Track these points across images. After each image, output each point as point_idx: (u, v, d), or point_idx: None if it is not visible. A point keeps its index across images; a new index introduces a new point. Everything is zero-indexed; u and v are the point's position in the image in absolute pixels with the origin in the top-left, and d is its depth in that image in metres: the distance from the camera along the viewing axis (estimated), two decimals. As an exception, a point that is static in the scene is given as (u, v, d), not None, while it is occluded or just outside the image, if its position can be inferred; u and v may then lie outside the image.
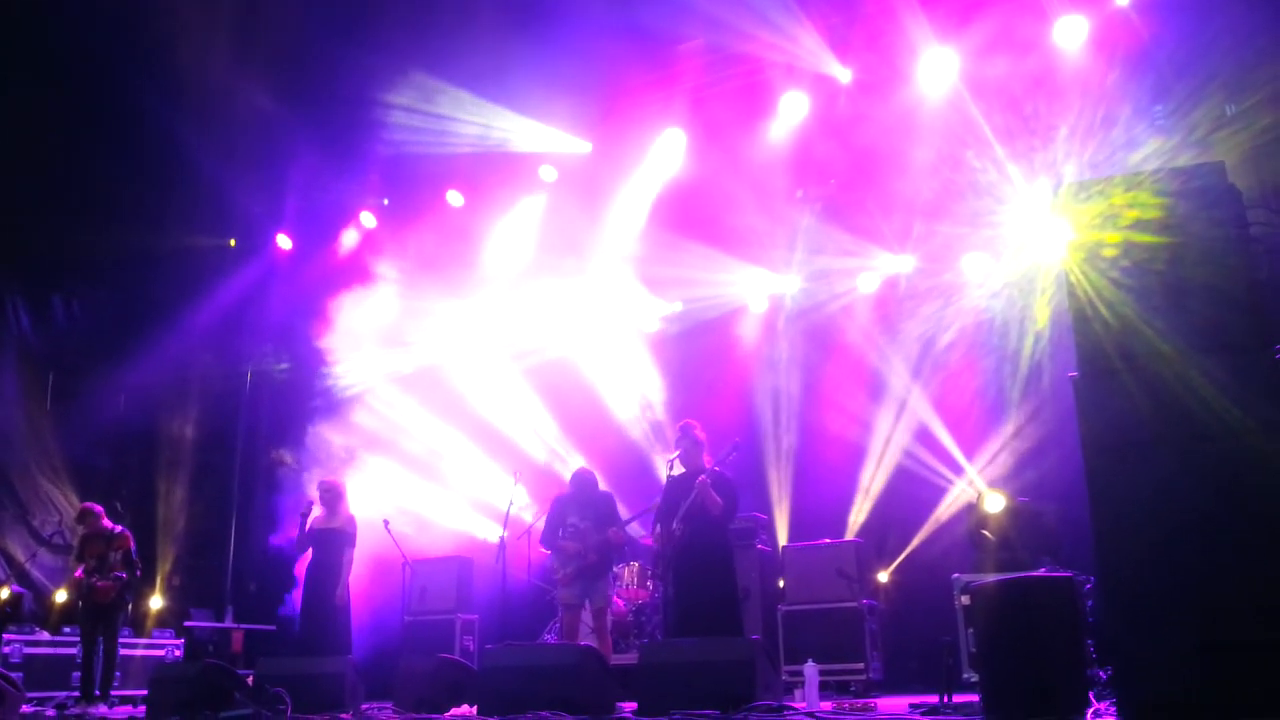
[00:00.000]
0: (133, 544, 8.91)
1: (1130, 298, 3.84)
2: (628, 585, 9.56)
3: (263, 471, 13.60)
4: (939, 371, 9.76)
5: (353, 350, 12.60)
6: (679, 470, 7.21)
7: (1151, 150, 7.77)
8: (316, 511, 8.46)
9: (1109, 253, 3.96)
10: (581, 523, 7.52)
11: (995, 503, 8.19)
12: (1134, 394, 3.74)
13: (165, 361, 12.85)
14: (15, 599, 10.42)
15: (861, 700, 6.72)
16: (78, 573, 8.72)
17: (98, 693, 8.53)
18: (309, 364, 13.06)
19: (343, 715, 5.82)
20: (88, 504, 9.17)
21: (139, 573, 9.22)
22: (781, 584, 9.06)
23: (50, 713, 7.41)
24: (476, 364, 12.01)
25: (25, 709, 7.41)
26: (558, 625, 8.74)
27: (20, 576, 11.07)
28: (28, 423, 12.41)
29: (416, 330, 12.29)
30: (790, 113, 10.36)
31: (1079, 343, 3.95)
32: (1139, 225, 3.87)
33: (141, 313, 12.80)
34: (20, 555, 11.51)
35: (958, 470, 9.42)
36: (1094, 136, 8.36)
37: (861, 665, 8.30)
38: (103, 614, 8.68)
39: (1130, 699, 3.46)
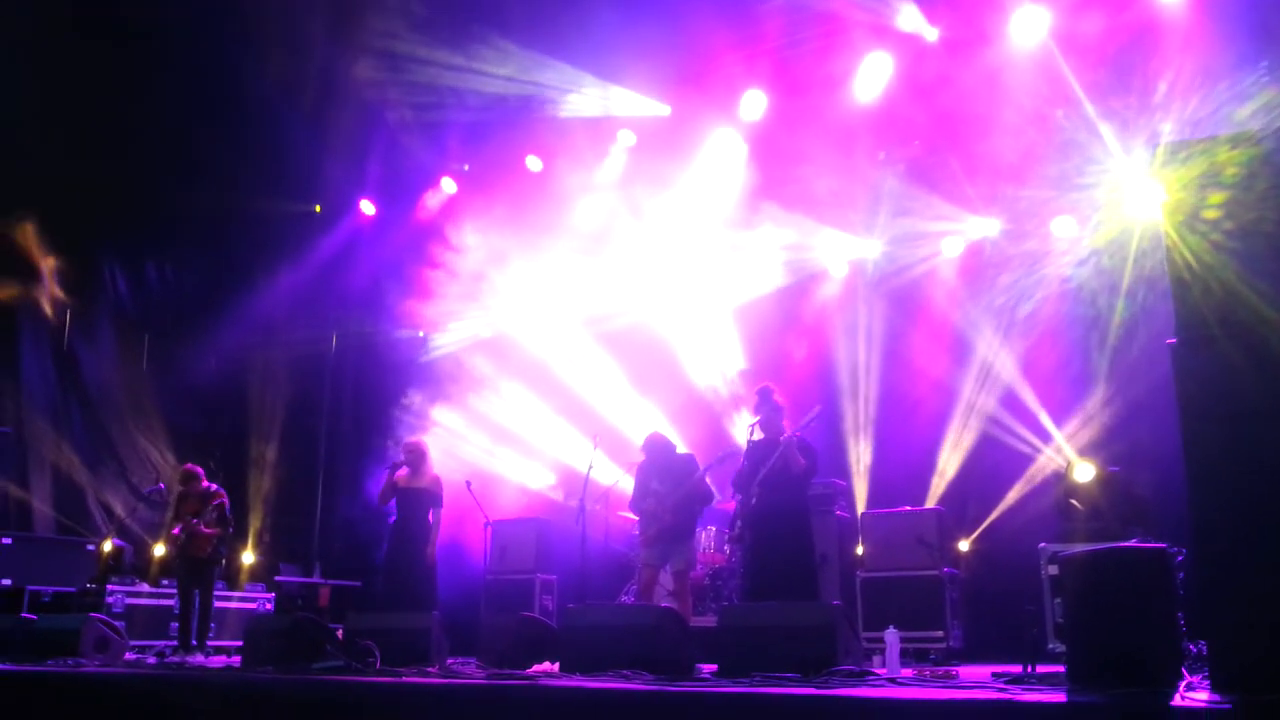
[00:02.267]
0: (227, 502, 9.25)
1: (1234, 261, 3.69)
2: (705, 549, 9.60)
3: (348, 433, 13.94)
4: (1026, 337, 9.55)
5: (435, 314, 12.81)
6: (759, 436, 7.21)
7: (1261, 104, 7.42)
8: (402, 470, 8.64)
9: (1210, 214, 3.81)
10: (662, 487, 7.55)
11: (1085, 472, 8.02)
12: (1236, 361, 3.61)
13: (254, 325, 13.21)
14: (117, 552, 10.88)
15: (943, 668, 6.67)
16: (175, 530, 9.06)
17: (194, 642, 8.90)
18: (392, 328, 13.32)
19: (429, 669, 5.96)
20: (190, 465, 9.52)
21: (232, 529, 9.56)
22: (860, 550, 9.02)
23: (151, 660, 7.73)
24: (556, 328, 12.11)
25: (128, 656, 7.75)
26: (635, 586, 8.83)
27: (121, 531, 11.54)
28: (125, 384, 12.89)
29: (497, 295, 12.43)
30: (874, 73, 10.14)
31: (1177, 309, 3.81)
32: (1246, 185, 3.71)
33: (232, 277, 13.16)
34: (120, 510, 12.00)
35: (1045, 438, 9.23)
36: (1195, 92, 8.03)
37: (941, 633, 8.24)
38: (199, 568, 9.05)
39: (1225, 671, 3.37)
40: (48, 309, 12.31)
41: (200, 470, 9.41)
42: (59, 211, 11.66)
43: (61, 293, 12.39)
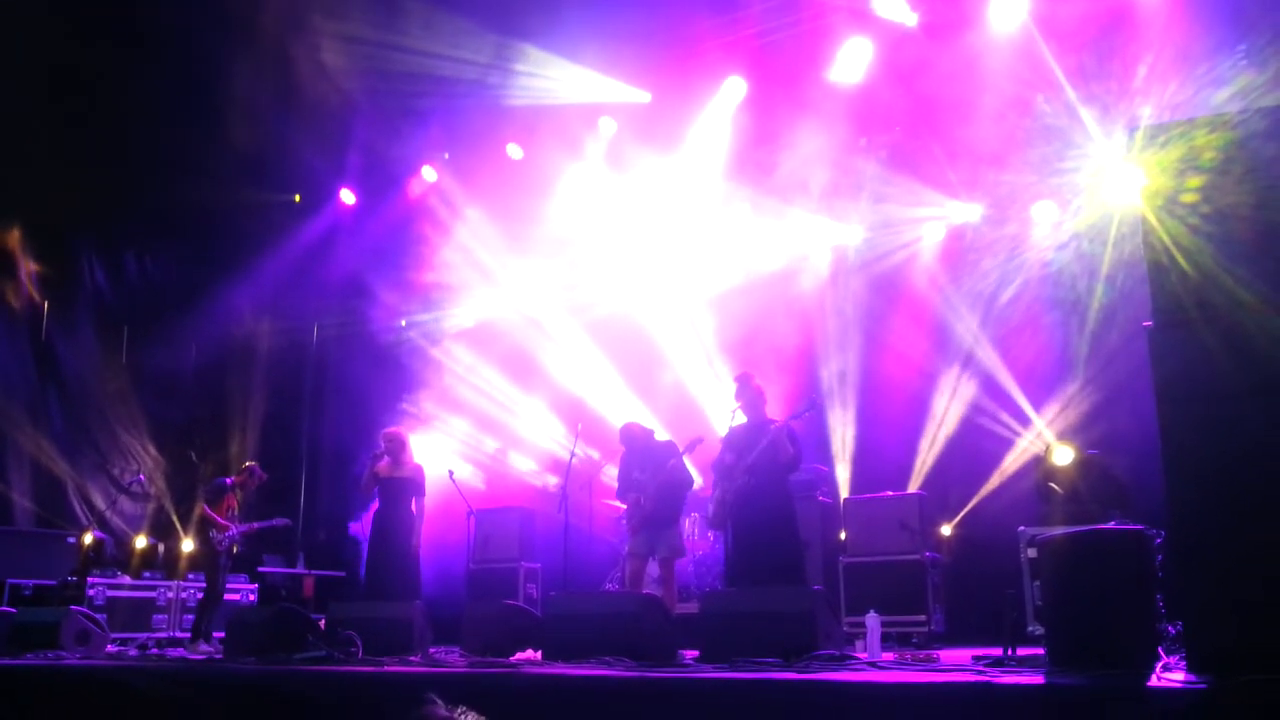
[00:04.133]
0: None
1: (1210, 245, 3.71)
2: (687, 536, 9.61)
3: (329, 423, 13.88)
4: (1006, 322, 9.59)
5: (415, 303, 12.75)
6: (739, 421, 7.22)
7: (1237, 89, 7.46)
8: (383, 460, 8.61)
9: (1188, 198, 3.82)
10: (643, 475, 7.55)
11: (1064, 455, 8.06)
12: (1212, 344, 3.63)
13: (235, 315, 13.13)
14: (98, 544, 10.82)
15: (924, 652, 6.71)
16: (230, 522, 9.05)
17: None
18: (373, 317, 13.26)
19: (411, 658, 5.96)
20: (252, 464, 9.55)
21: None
22: (843, 535, 9.04)
23: (133, 653, 7.70)
24: (537, 317, 12.08)
25: (109, 648, 7.71)
26: (619, 574, 8.84)
27: (101, 523, 11.47)
28: (104, 375, 12.79)
29: (479, 283, 12.38)
30: (854, 59, 10.12)
31: (1154, 292, 3.83)
32: (1223, 169, 3.73)
33: (211, 267, 13.05)
34: (101, 502, 11.92)
35: (1025, 422, 9.28)
36: (1174, 76, 8.06)
37: (923, 617, 8.27)
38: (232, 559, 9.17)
39: (1200, 652, 3.41)
40: (28, 288, 12.16)
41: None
42: (37, 203, 11.52)
43: (35, 264, 12.24)
